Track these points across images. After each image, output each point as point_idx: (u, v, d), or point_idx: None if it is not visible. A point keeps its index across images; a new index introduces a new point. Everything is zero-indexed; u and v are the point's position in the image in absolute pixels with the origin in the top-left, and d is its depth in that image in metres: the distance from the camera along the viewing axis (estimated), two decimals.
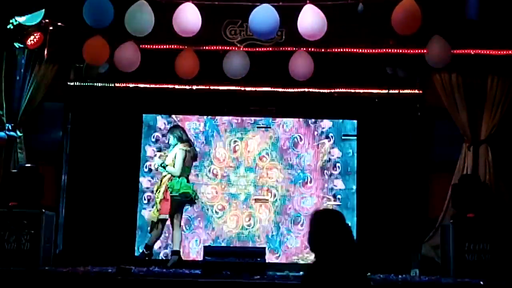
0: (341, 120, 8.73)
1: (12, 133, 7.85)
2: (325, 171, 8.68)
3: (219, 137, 8.77)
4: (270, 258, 8.13)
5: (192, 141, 8.14)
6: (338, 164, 8.68)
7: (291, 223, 8.60)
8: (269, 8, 6.78)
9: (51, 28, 7.59)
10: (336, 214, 3.56)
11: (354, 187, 8.61)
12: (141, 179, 8.65)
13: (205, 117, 8.83)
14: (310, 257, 8.48)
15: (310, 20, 6.78)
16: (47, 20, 7.43)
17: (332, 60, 7.96)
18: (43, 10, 7.19)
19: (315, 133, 8.75)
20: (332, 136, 8.72)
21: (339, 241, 3.42)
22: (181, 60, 7.50)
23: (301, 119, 8.77)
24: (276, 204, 8.64)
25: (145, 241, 8.55)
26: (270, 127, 8.78)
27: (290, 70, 7.41)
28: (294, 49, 7.51)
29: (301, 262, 8.48)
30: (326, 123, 8.75)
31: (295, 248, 8.54)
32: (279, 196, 8.66)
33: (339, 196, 8.63)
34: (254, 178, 8.68)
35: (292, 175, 8.69)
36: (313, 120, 8.76)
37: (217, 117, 8.82)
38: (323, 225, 3.49)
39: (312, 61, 7.36)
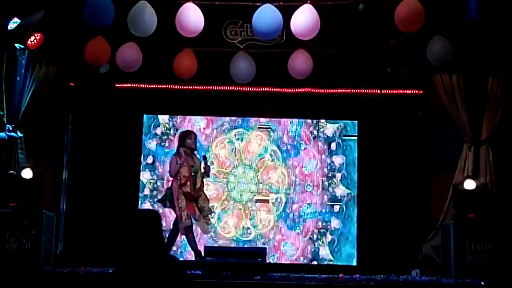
0: (342, 123, 8.74)
1: (12, 133, 7.84)
2: (326, 172, 8.69)
3: (219, 138, 8.77)
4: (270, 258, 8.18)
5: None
6: (338, 162, 8.69)
7: (293, 222, 8.62)
8: (272, 9, 6.77)
9: (51, 28, 7.59)
10: (153, 215, 3.70)
11: (355, 188, 8.62)
12: (141, 178, 8.65)
13: (205, 117, 8.83)
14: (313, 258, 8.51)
15: (302, 19, 6.77)
16: (47, 21, 7.42)
17: (332, 60, 7.96)
18: (43, 10, 7.18)
19: (316, 133, 8.76)
20: (333, 137, 8.75)
21: (149, 239, 3.55)
22: (178, 60, 7.50)
23: (302, 120, 8.78)
24: (277, 204, 8.64)
25: None
26: (271, 128, 8.78)
27: (289, 69, 7.41)
28: (295, 49, 7.50)
29: (302, 262, 8.50)
30: (328, 126, 8.76)
31: (296, 248, 8.55)
32: (280, 196, 8.66)
33: (340, 195, 8.64)
34: (255, 178, 8.67)
35: (294, 175, 8.69)
36: (314, 121, 8.76)
37: (217, 118, 8.82)
38: (138, 224, 3.62)
39: (311, 59, 7.35)
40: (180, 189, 7.34)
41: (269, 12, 6.75)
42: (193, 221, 7.39)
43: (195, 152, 7.63)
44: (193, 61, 7.53)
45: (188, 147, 7.48)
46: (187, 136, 7.57)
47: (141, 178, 8.67)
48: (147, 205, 8.63)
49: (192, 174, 7.40)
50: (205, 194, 7.58)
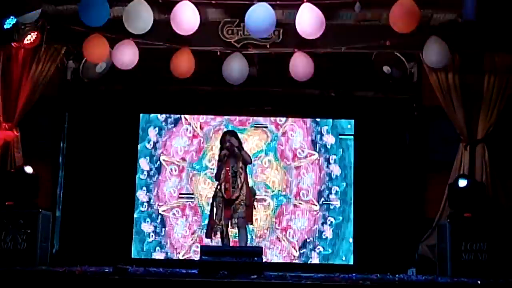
0: (339, 123, 8.76)
1: (9, 132, 7.83)
2: (322, 171, 8.70)
3: (216, 137, 8.76)
4: (266, 256, 8.22)
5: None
6: (335, 162, 8.71)
7: (289, 221, 8.62)
8: (265, 6, 6.77)
9: (48, 27, 7.57)
10: None
11: (351, 186, 8.63)
12: (139, 171, 8.66)
13: (202, 116, 8.83)
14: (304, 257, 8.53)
15: (308, 18, 6.77)
16: (44, 19, 7.41)
17: (329, 60, 7.96)
18: (40, 9, 7.16)
19: (313, 133, 8.78)
20: (329, 136, 8.76)
21: None
22: (176, 59, 7.50)
23: (299, 119, 8.79)
24: (274, 203, 8.65)
25: (141, 241, 8.59)
26: (266, 127, 8.79)
27: (290, 71, 7.42)
28: (291, 49, 7.49)
29: (298, 261, 8.50)
30: (325, 128, 8.78)
31: (292, 247, 8.56)
32: (276, 194, 8.67)
33: (336, 194, 8.65)
34: (251, 177, 8.66)
35: (290, 175, 8.70)
36: (311, 120, 8.77)
37: (214, 117, 8.82)
38: None
39: (311, 61, 7.36)
40: (218, 192, 7.29)
41: (262, 10, 6.75)
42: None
43: (239, 151, 7.37)
44: (191, 60, 7.54)
45: (226, 149, 7.37)
46: (222, 139, 7.52)
47: (137, 177, 8.67)
48: (143, 203, 8.64)
49: (232, 174, 7.30)
50: (248, 193, 7.32)
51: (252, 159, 7.77)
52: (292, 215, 8.64)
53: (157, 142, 8.76)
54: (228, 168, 7.30)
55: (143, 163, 8.72)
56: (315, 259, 8.54)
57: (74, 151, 8.54)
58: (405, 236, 8.23)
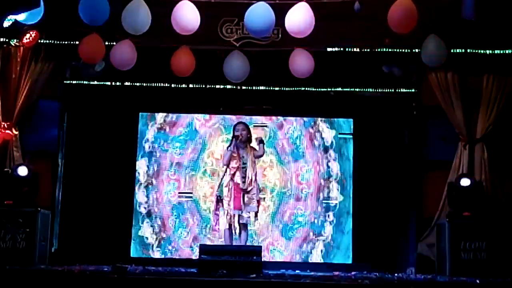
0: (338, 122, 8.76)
1: (7, 131, 7.83)
2: (321, 170, 8.71)
3: (215, 136, 8.77)
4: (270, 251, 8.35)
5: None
6: (334, 158, 8.72)
7: (288, 219, 8.62)
8: (265, 6, 6.77)
9: (47, 26, 7.57)
10: None
11: (351, 185, 8.63)
12: (137, 170, 8.67)
13: (201, 115, 8.82)
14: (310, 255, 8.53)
15: (297, 17, 6.76)
16: (43, 18, 7.40)
17: (328, 58, 7.95)
18: (43, 8, 7.14)
19: (312, 132, 8.78)
20: (328, 137, 8.76)
21: None
22: (177, 58, 7.50)
23: (298, 119, 8.79)
24: (273, 202, 8.65)
25: (140, 239, 8.58)
26: (266, 126, 8.79)
27: (290, 68, 7.41)
28: (290, 48, 7.49)
29: (298, 261, 8.50)
30: (324, 126, 8.78)
31: (291, 245, 8.57)
32: (275, 194, 8.66)
33: (335, 194, 8.65)
34: None
35: (288, 174, 8.70)
36: (309, 119, 8.77)
37: (213, 116, 8.82)
38: None
39: (312, 58, 7.36)
40: (229, 181, 7.22)
41: (262, 10, 6.74)
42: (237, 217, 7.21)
43: (251, 143, 7.38)
44: (191, 59, 7.54)
45: (236, 138, 7.31)
46: (235, 127, 7.44)
47: (136, 176, 8.66)
48: (141, 202, 8.64)
49: (242, 165, 7.23)
50: (258, 188, 7.34)
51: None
52: (291, 213, 8.63)
53: (157, 141, 8.75)
54: (238, 158, 7.22)
55: (142, 162, 8.71)
56: (315, 258, 8.54)
57: (73, 150, 8.53)
58: (404, 235, 8.24)
